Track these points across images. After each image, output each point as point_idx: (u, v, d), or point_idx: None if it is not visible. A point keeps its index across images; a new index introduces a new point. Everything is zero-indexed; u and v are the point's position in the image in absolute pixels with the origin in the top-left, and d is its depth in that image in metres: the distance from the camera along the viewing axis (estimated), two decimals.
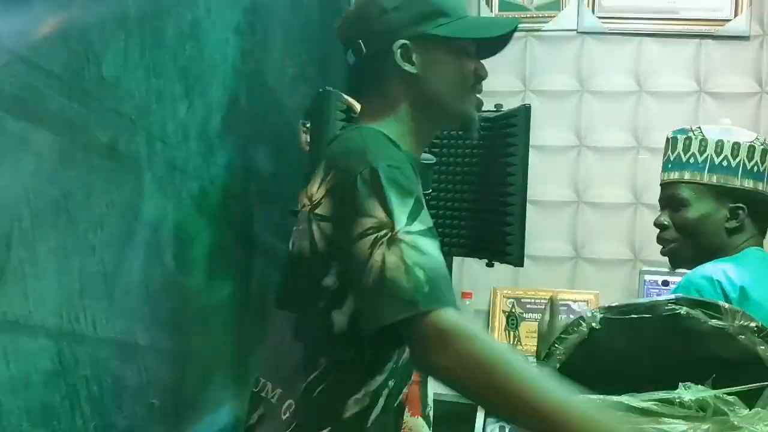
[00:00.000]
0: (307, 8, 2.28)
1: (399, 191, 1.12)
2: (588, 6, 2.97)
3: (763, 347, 1.27)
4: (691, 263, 1.60)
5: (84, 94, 1.14)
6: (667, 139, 1.68)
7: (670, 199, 1.63)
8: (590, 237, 3.00)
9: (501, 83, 3.02)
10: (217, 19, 1.60)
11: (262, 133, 1.91)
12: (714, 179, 1.58)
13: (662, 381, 1.29)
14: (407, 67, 1.28)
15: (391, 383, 1.26)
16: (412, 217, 1.10)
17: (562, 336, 1.36)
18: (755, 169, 1.58)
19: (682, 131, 1.64)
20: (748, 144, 1.58)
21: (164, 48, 1.38)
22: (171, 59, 1.41)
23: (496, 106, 1.79)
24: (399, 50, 1.27)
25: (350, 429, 1.24)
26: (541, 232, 3.02)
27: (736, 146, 1.58)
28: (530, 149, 2.92)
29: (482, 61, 1.35)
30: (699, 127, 1.63)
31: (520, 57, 3.06)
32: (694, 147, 1.59)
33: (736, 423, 1.24)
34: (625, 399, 1.29)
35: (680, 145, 1.61)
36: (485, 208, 1.69)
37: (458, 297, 2.55)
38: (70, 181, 1.11)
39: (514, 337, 2.52)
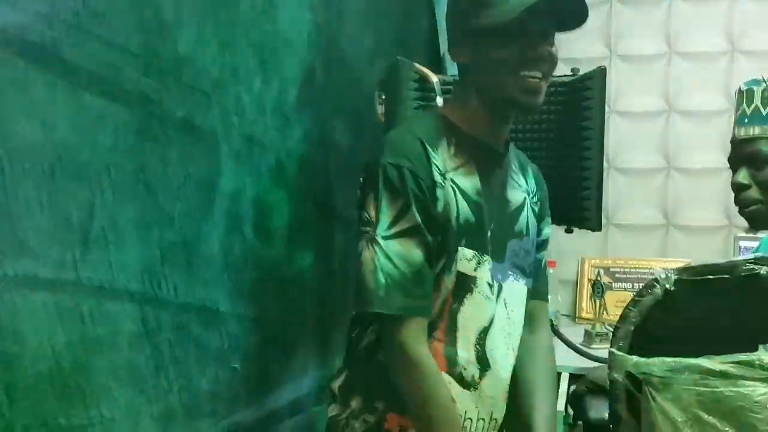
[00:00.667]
0: None
1: (391, 191, 1.27)
2: None
3: None
4: None
5: (159, 71, 1.19)
6: (741, 92, 1.58)
7: (751, 156, 1.54)
8: (682, 204, 2.91)
9: (585, 50, 2.96)
10: None
11: (340, 106, 1.94)
12: None
13: (741, 343, 1.26)
14: (462, 61, 1.37)
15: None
16: (397, 218, 1.26)
17: (636, 298, 1.34)
18: None
19: (757, 82, 1.55)
20: None
21: (238, 24, 1.43)
22: (245, 35, 1.46)
23: (572, 70, 1.76)
24: (454, 46, 1.38)
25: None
26: (630, 199, 2.97)
27: None
28: (617, 116, 2.95)
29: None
30: None
31: (606, 22, 2.99)
32: None
33: None
34: (702, 361, 1.27)
35: (758, 97, 1.53)
36: (562, 173, 1.67)
37: None
38: (146, 154, 1.17)
39: (600, 305, 2.48)
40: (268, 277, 1.58)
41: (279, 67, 1.60)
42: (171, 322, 1.25)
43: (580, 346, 2.04)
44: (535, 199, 1.50)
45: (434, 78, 1.72)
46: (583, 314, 2.88)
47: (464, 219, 1.32)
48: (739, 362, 1.25)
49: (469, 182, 1.33)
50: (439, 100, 1.68)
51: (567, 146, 1.70)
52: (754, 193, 1.53)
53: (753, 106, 1.53)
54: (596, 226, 1.68)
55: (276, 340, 1.64)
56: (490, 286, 1.36)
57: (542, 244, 1.54)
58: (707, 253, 2.81)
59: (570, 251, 2.98)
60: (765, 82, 1.53)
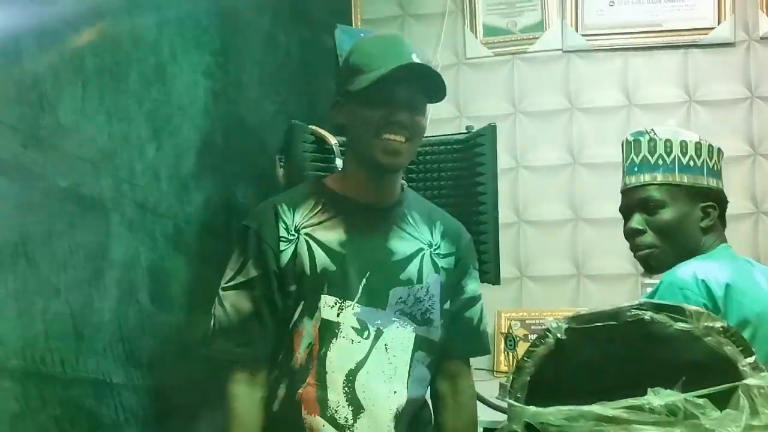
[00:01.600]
0: (285, 47, 2.32)
1: (237, 248, 1.47)
2: (571, 25, 2.99)
3: (730, 347, 1.26)
4: (671, 266, 1.57)
5: (40, 142, 1.18)
6: (628, 142, 1.64)
7: (642, 202, 1.59)
8: (590, 253, 2.98)
9: (491, 107, 3.05)
10: (183, 63, 1.65)
11: (242, 171, 1.94)
12: (686, 179, 1.56)
13: (632, 388, 1.29)
14: (339, 121, 1.50)
15: (285, 381, 1.45)
16: (237, 272, 1.44)
17: (531, 349, 1.36)
18: (715, 168, 1.58)
19: (641, 133, 1.63)
20: (707, 144, 1.58)
21: (128, 93, 1.43)
22: (135, 103, 1.46)
23: (467, 127, 1.81)
24: (333, 107, 1.50)
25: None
26: (541, 252, 3.02)
27: (698, 146, 1.57)
28: (524, 170, 3.02)
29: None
30: (653, 129, 1.62)
31: (508, 79, 3.08)
32: (660, 148, 1.58)
33: (707, 426, 1.23)
34: (595, 408, 1.29)
35: (644, 147, 1.59)
36: None
37: None
38: (28, 226, 1.15)
39: (513, 357, 2.50)
40: (167, 344, 1.55)
41: (174, 134, 1.60)
42: (57, 397, 1.21)
43: (493, 400, 2.04)
44: (438, 252, 1.54)
45: (333, 140, 1.74)
46: (501, 367, 2.89)
47: (322, 268, 1.43)
48: (629, 407, 1.27)
49: (333, 235, 1.45)
50: (339, 162, 1.71)
51: (463, 203, 1.73)
52: (648, 237, 1.59)
53: (641, 155, 1.60)
54: (495, 280, 1.71)
55: (178, 409, 1.60)
56: (359, 330, 1.42)
57: (468, 303, 1.60)
58: (618, 300, 2.86)
59: (487, 306, 3.00)
60: (648, 133, 1.60)
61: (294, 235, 1.44)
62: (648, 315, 1.29)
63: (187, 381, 1.62)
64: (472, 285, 1.61)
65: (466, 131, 1.79)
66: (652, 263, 1.64)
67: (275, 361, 1.46)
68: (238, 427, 1.43)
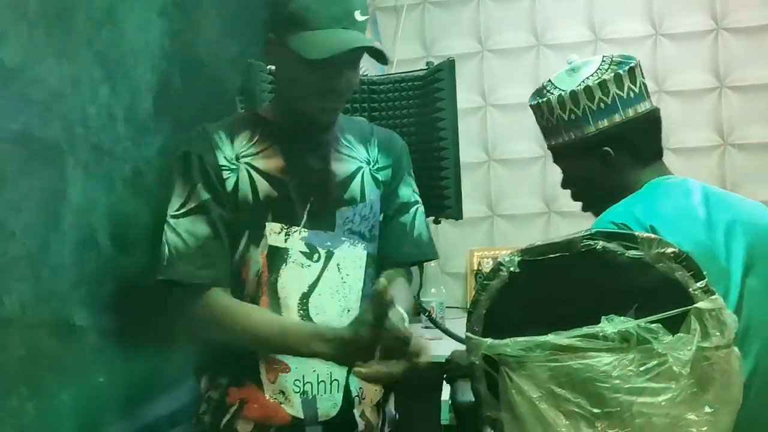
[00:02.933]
0: None
1: (181, 177, 1.43)
2: None
3: (681, 272, 1.28)
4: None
5: None
6: (531, 107, 1.65)
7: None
8: (561, 191, 2.98)
9: (457, 46, 3.04)
10: (136, 2, 1.62)
11: (203, 113, 1.91)
12: (568, 137, 1.55)
13: (586, 317, 1.31)
14: (270, 60, 1.52)
15: None
16: (187, 198, 1.42)
17: (485, 282, 1.38)
18: (602, 105, 1.51)
19: (535, 95, 1.61)
20: (582, 87, 1.52)
21: (75, 33, 1.40)
22: (85, 44, 1.43)
23: (427, 64, 1.80)
24: (265, 42, 1.45)
25: None
26: (512, 189, 3.04)
27: (573, 95, 1.52)
28: (493, 109, 3.02)
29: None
30: (549, 80, 1.60)
31: (474, 17, 3.06)
32: (546, 110, 1.57)
33: (660, 350, 1.26)
34: (550, 338, 1.31)
35: (537, 113, 1.60)
36: (421, 166, 1.70)
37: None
38: None
39: None
40: (130, 287, 1.55)
41: (128, 76, 1.58)
42: (19, 339, 1.22)
43: (456, 333, 2.08)
44: (377, 167, 1.57)
45: None
46: None
47: (265, 196, 1.44)
48: (583, 335, 1.30)
49: (272, 164, 1.46)
50: None
51: (424, 139, 1.73)
52: (572, 194, 1.67)
53: (539, 121, 1.63)
54: (457, 215, 1.72)
55: (145, 352, 1.62)
56: (308, 254, 1.45)
57: (401, 208, 1.61)
58: None
59: (459, 245, 3.04)
60: (545, 89, 1.61)
61: (235, 165, 1.45)
62: (600, 245, 1.30)
63: (151, 322, 1.63)
64: (405, 191, 1.61)
65: (426, 67, 1.78)
66: (591, 212, 1.65)
67: None
68: (258, 313, 1.41)
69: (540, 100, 1.59)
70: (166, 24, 1.74)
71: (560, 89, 1.56)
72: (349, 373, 1.46)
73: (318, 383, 1.44)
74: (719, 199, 1.50)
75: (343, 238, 1.49)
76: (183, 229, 1.41)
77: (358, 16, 1.38)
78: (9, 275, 1.20)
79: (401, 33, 3.11)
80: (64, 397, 1.33)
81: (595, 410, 1.26)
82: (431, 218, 1.84)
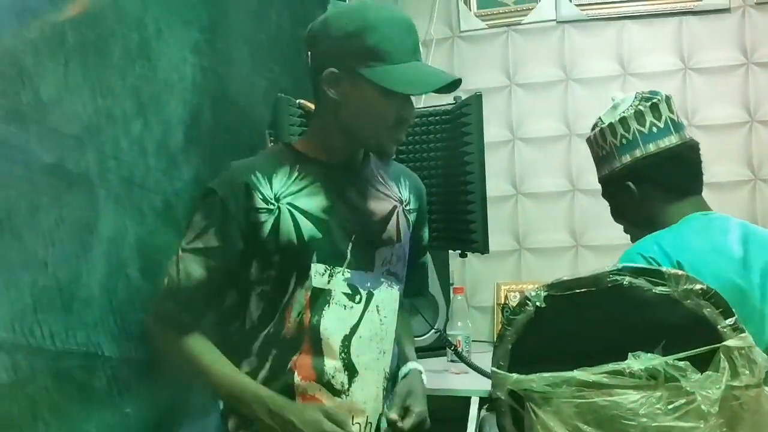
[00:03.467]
0: (277, 23, 2.32)
1: (201, 210, 1.45)
2: None
3: (710, 309, 1.27)
4: None
5: (22, 117, 1.19)
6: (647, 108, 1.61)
7: None
8: (588, 224, 2.98)
9: (486, 80, 3.05)
10: (170, 39, 1.65)
11: (233, 146, 1.95)
12: (605, 171, 1.60)
13: (612, 353, 1.30)
14: (331, 93, 1.43)
15: (274, 351, 1.45)
16: (198, 236, 1.43)
17: (511, 317, 1.38)
18: (624, 141, 1.55)
19: (593, 127, 1.65)
20: (608, 123, 1.57)
21: (111, 68, 1.43)
22: (120, 78, 1.46)
23: (454, 98, 1.82)
24: (326, 76, 1.42)
25: None
26: (539, 223, 3.04)
27: (600, 133, 1.58)
28: (521, 143, 3.02)
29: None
30: (600, 118, 1.63)
31: (503, 51, 3.08)
32: (593, 144, 1.63)
33: (688, 388, 1.25)
34: (576, 374, 1.31)
35: (589, 147, 1.65)
36: (448, 200, 1.72)
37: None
38: (12, 200, 1.16)
39: None
40: None
41: (160, 110, 1.61)
42: (47, 369, 1.23)
43: (482, 367, 2.07)
44: (409, 208, 1.58)
45: None
46: None
47: (309, 237, 1.43)
48: (610, 372, 1.29)
49: (314, 202, 1.45)
50: None
51: (451, 173, 1.74)
52: (622, 226, 1.63)
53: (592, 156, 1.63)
54: (483, 249, 1.72)
55: (172, 383, 1.63)
56: (350, 295, 1.45)
57: (424, 250, 1.66)
58: None
59: (486, 278, 3.04)
60: (597, 124, 1.62)
61: (274, 205, 1.44)
62: (627, 280, 1.30)
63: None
64: (426, 234, 1.67)
65: (453, 102, 1.79)
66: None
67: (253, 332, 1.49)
68: (208, 362, 1.45)
69: (590, 135, 1.64)
70: (198, 60, 1.77)
71: (602, 126, 1.60)
72: (379, 417, 1.46)
73: (353, 425, 1.44)
74: (760, 238, 1.50)
75: (382, 279, 1.50)
76: (183, 266, 1.44)
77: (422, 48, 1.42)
78: (40, 306, 1.22)
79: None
80: (90, 428, 1.34)
81: None
82: (458, 251, 1.84)
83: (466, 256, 1.84)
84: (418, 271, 1.62)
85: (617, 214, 1.63)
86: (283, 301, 1.45)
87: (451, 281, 2.51)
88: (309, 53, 1.49)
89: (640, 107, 1.55)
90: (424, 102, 2.98)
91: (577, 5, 2.97)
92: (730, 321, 1.26)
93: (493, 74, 3.08)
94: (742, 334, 1.25)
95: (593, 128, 1.63)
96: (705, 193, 1.61)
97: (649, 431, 1.23)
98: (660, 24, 2.93)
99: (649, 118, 1.54)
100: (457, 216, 1.72)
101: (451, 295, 2.34)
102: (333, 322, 1.44)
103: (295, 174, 1.48)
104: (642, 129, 1.54)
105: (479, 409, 2.12)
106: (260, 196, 1.44)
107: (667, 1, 2.90)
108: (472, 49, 3.12)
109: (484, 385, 2.18)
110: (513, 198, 3.04)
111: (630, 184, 1.55)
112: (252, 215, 1.43)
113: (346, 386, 1.43)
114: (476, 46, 3.12)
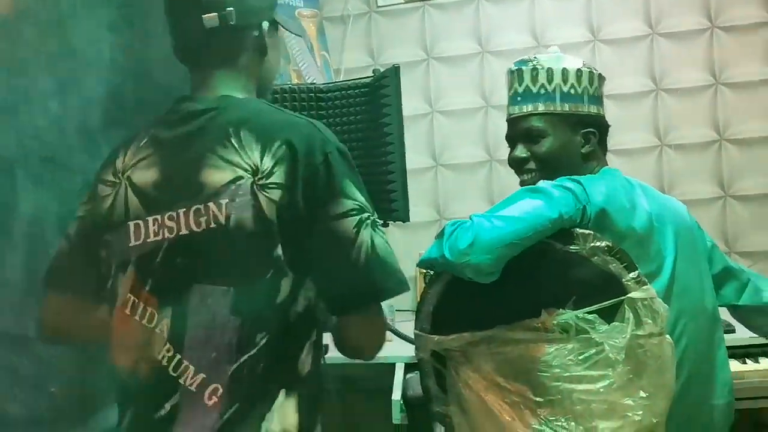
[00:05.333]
0: None
1: (360, 178, 1.28)
2: None
3: (615, 264, 1.35)
4: None
5: None
6: (512, 72, 1.70)
7: (525, 132, 1.65)
8: (506, 193, 2.99)
9: (404, 54, 3.09)
10: (86, 16, 1.64)
11: None
12: (567, 107, 1.61)
13: (528, 310, 1.38)
14: (267, 45, 1.36)
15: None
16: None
17: (432, 279, 1.44)
18: (596, 93, 1.64)
19: (524, 62, 1.67)
20: (587, 70, 1.63)
21: (23, 47, 1.42)
22: (34, 58, 1.45)
23: (373, 71, 1.85)
24: (267, 29, 1.35)
25: None
26: (459, 194, 3.10)
27: (579, 73, 1.62)
28: (439, 115, 3.09)
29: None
30: (536, 57, 1.67)
31: (420, 26, 3.13)
32: (542, 77, 1.62)
33: (597, 339, 1.33)
34: (495, 332, 1.38)
35: (527, 77, 1.64)
36: (370, 171, 1.75)
37: None
38: None
39: None
40: None
41: (79, 89, 1.60)
42: None
43: (405, 333, 2.12)
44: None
45: None
46: None
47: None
48: (525, 328, 1.37)
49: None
50: None
51: (371, 146, 1.78)
52: (531, 165, 1.64)
53: (524, 85, 1.65)
54: (405, 218, 1.77)
55: (98, 363, 1.63)
56: None
57: None
58: None
59: (408, 249, 3.09)
60: (531, 61, 1.66)
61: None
62: (559, 244, 1.38)
63: None
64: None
65: (371, 75, 1.83)
66: None
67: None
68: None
69: (537, 66, 1.65)
70: (116, 37, 1.76)
71: (562, 66, 1.64)
72: None
73: None
74: (649, 191, 1.62)
75: None
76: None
77: None
78: None
79: (348, 42, 3.16)
80: (18, 407, 1.35)
81: (538, 399, 1.33)
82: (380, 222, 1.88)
83: (387, 225, 1.88)
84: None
85: (548, 152, 1.61)
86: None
87: None
88: (232, 9, 1.30)
89: (599, 74, 1.65)
90: (344, 77, 3.03)
91: None
92: (633, 275, 1.34)
93: (411, 49, 3.12)
94: (645, 287, 1.34)
95: (529, 62, 1.67)
96: (611, 157, 1.70)
97: (562, 381, 1.31)
98: None
99: (602, 86, 1.67)
100: (378, 187, 1.76)
101: None
102: None
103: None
104: (600, 91, 1.66)
105: (404, 374, 2.19)
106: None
107: None
108: (390, 24, 3.15)
109: (408, 351, 2.24)
110: (433, 169, 3.11)
111: (594, 131, 1.62)
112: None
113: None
114: (394, 20, 3.15)
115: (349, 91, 1.85)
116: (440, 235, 1.42)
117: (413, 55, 3.11)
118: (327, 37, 3.13)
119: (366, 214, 1.23)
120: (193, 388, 1.17)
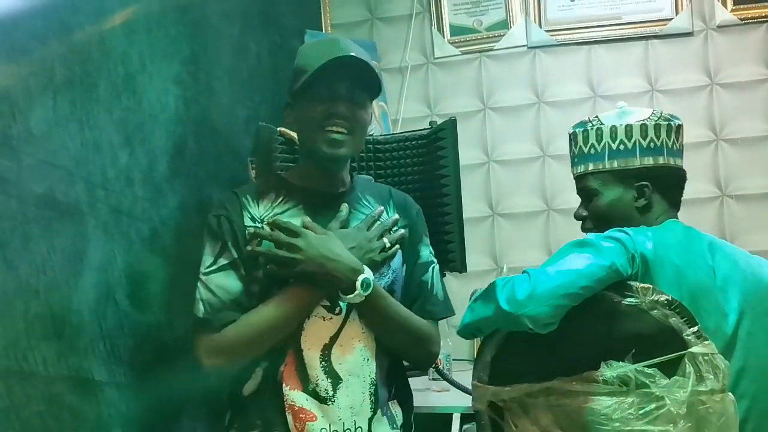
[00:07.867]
0: (256, 53, 2.39)
1: (210, 236, 1.52)
2: (535, 21, 3.08)
3: (675, 319, 1.34)
4: None
5: (13, 151, 1.24)
6: (569, 135, 1.74)
7: (582, 191, 1.70)
8: (563, 243, 3.04)
9: (460, 104, 3.13)
10: (153, 72, 1.71)
11: (216, 174, 2.01)
12: (615, 164, 1.63)
13: (586, 362, 1.37)
14: (288, 122, 1.62)
15: (263, 364, 1.51)
16: (218, 255, 1.50)
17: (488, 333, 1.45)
18: (651, 145, 1.63)
19: (581, 125, 1.70)
20: (639, 124, 1.63)
21: (98, 101, 1.49)
22: (106, 112, 1.52)
23: (430, 123, 1.88)
24: (285, 109, 1.61)
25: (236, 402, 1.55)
26: (516, 243, 3.10)
27: (628, 128, 1.63)
28: (495, 165, 3.11)
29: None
30: (597, 117, 1.69)
31: (476, 77, 3.16)
32: (592, 138, 1.66)
33: (657, 393, 1.31)
34: (552, 383, 1.37)
35: (580, 139, 1.68)
36: (428, 221, 1.76)
37: None
38: (5, 231, 1.21)
39: None
40: (147, 343, 1.61)
41: (146, 141, 1.66)
42: (41, 394, 1.27)
43: (462, 384, 2.11)
44: (395, 228, 1.62)
45: None
46: None
47: None
48: (584, 380, 1.35)
49: (295, 222, 1.50)
50: None
51: (428, 195, 1.80)
52: (589, 223, 1.68)
53: (578, 147, 1.68)
54: (461, 268, 1.78)
55: (162, 407, 1.66)
56: (329, 308, 1.51)
57: (422, 267, 1.67)
58: None
59: (464, 298, 3.07)
60: (590, 122, 1.67)
61: (260, 225, 1.53)
62: (609, 293, 1.37)
63: (169, 376, 1.68)
64: (425, 251, 1.69)
65: (429, 127, 1.86)
66: None
67: None
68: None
69: (588, 127, 1.69)
70: (181, 91, 1.83)
71: (612, 123, 1.66)
72: (371, 420, 1.50)
73: (344, 430, 1.47)
74: (720, 247, 1.58)
75: None
76: (215, 285, 1.48)
77: (352, 50, 1.49)
78: (33, 332, 1.26)
79: (406, 93, 3.22)
80: None
81: None
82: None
83: (444, 275, 1.89)
84: (417, 287, 1.64)
85: (601, 209, 1.65)
86: None
87: None
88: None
89: (667, 123, 1.64)
90: (401, 127, 3.07)
91: (547, 31, 3.07)
92: (693, 329, 1.33)
93: (468, 99, 3.17)
94: (706, 342, 1.32)
95: (586, 124, 1.69)
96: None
97: None
98: (627, 48, 3.04)
99: (672, 135, 1.64)
100: (435, 237, 1.77)
101: None
102: (312, 334, 1.49)
103: (280, 198, 1.57)
104: (668, 141, 1.63)
105: (461, 425, 2.17)
106: (248, 215, 1.53)
107: (632, 27, 3.01)
108: (447, 74, 3.21)
109: (465, 402, 2.23)
110: (489, 219, 3.11)
111: (647, 184, 1.61)
112: (244, 232, 1.51)
113: (331, 393, 1.47)
114: (450, 71, 3.21)
115: (406, 143, 1.89)
116: (483, 297, 1.50)
117: (470, 105, 3.16)
118: (385, 88, 3.19)
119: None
120: None
